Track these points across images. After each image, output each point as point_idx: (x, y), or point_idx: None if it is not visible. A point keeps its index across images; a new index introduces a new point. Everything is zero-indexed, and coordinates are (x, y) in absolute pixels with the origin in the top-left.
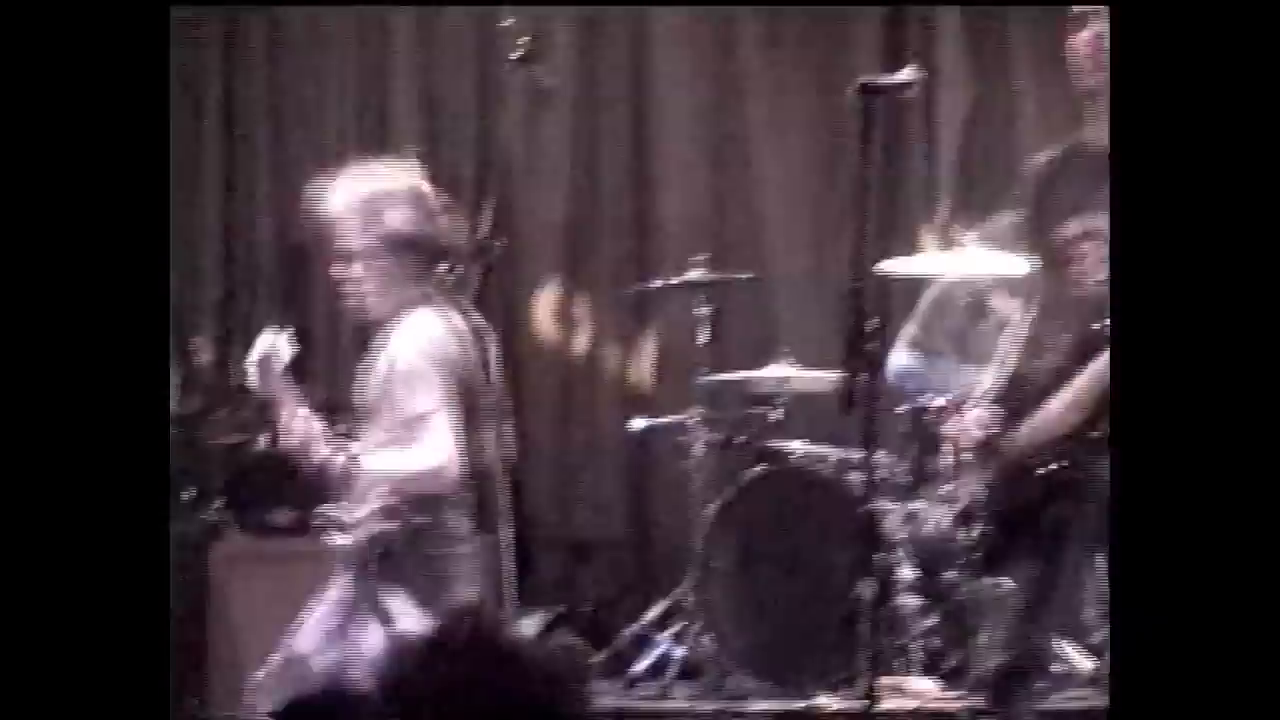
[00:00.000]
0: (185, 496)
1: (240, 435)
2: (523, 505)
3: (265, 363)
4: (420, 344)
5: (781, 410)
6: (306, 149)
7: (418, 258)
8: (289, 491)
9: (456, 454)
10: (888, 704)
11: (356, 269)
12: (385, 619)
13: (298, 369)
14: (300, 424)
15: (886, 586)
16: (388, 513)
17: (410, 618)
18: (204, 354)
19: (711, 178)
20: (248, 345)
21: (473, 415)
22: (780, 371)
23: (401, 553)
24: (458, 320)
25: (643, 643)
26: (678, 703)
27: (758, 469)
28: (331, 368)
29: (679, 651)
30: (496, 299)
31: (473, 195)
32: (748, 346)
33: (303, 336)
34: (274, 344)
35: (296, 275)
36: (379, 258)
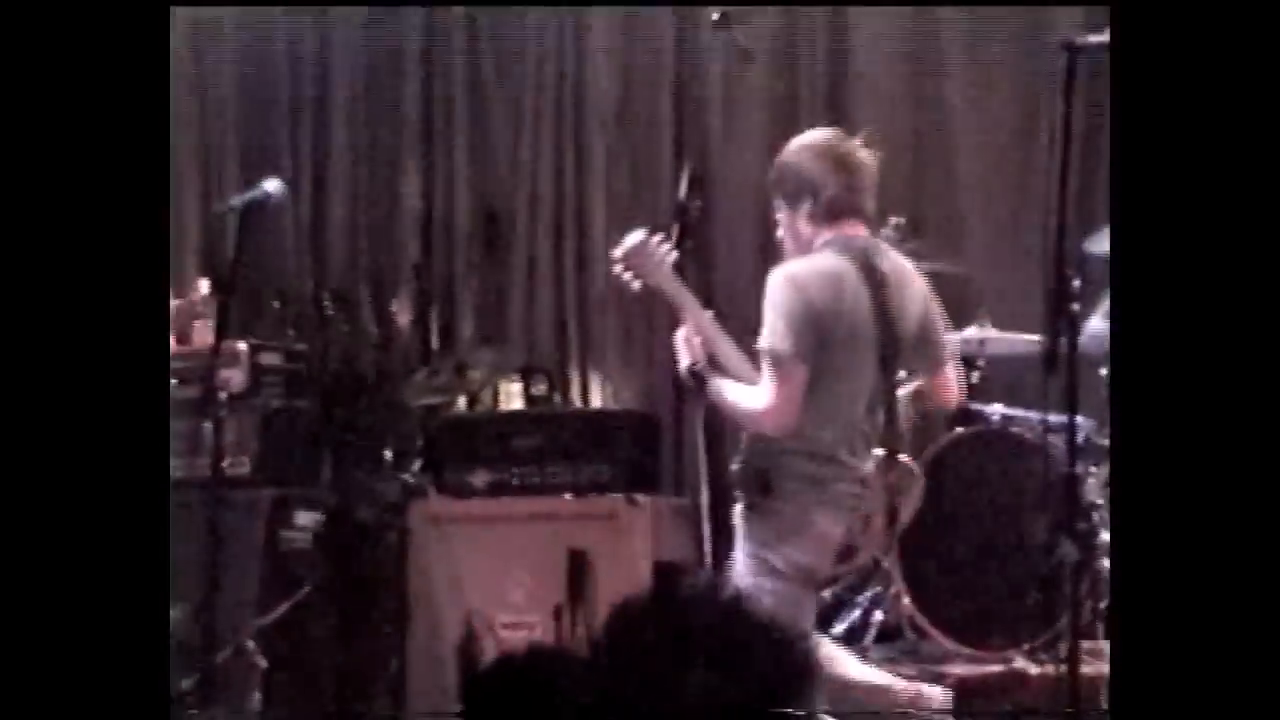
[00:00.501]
0: (386, 456)
1: (439, 397)
2: (721, 468)
3: (646, 255)
4: (781, 285)
5: (978, 372)
6: (502, 116)
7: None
8: (487, 453)
9: (785, 400)
10: (1087, 668)
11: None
12: (749, 555)
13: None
14: (707, 325)
15: (1087, 550)
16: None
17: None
18: (403, 316)
19: (910, 138)
20: (444, 308)
21: (827, 368)
22: (979, 333)
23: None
24: (844, 275)
25: (841, 605)
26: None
27: (958, 430)
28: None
29: (878, 614)
30: (692, 263)
31: (671, 160)
32: (945, 308)
33: (500, 297)
34: (646, 241)
35: (494, 239)
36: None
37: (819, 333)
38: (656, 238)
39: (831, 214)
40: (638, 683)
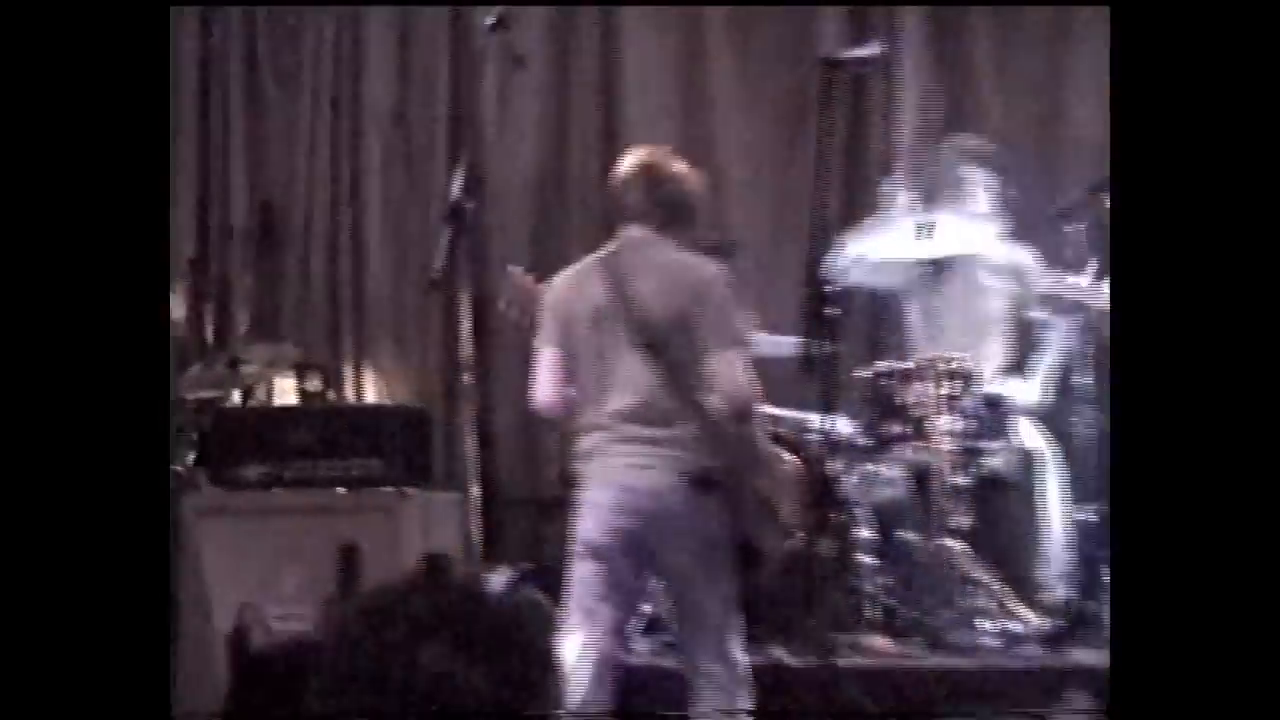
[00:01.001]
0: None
1: (213, 391)
2: (492, 464)
3: (525, 291)
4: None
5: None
6: (280, 115)
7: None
8: (260, 447)
9: (540, 382)
10: (844, 660)
11: None
12: None
13: None
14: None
15: (844, 546)
16: None
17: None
18: (177, 310)
19: (681, 142)
20: (219, 304)
21: (583, 353)
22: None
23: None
24: (592, 269)
25: None
26: (639, 658)
27: None
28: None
29: (646, 606)
30: (465, 261)
31: (446, 160)
32: None
33: (274, 294)
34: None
35: (268, 236)
36: None
37: (561, 321)
38: (527, 274)
39: (611, 219)
40: (382, 667)
